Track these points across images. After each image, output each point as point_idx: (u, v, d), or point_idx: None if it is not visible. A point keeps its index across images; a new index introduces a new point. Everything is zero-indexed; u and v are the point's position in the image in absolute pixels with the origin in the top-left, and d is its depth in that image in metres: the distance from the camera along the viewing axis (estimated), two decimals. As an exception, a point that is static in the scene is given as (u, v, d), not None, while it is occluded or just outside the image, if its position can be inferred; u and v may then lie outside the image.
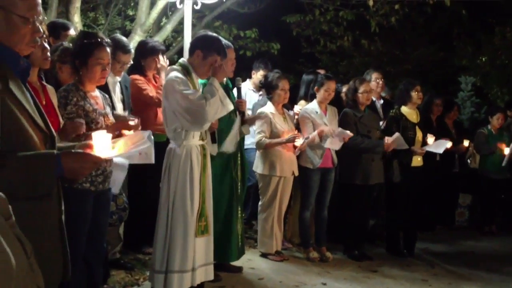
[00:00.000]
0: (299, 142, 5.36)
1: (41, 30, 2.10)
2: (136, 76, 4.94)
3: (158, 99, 4.79)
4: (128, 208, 4.01)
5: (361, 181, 5.62)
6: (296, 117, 5.74)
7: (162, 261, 3.91)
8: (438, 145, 6.02)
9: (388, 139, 5.69)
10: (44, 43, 3.19)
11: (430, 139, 6.02)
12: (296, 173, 5.49)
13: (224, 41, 4.38)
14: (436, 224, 7.50)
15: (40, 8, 2.09)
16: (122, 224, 4.43)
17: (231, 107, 3.97)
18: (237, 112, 4.62)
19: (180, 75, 3.91)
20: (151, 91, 4.90)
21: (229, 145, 4.55)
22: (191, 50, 4.10)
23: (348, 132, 5.33)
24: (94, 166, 2.19)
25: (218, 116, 3.98)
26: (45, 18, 2.25)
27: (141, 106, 4.83)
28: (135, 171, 4.60)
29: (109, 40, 3.43)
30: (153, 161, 3.45)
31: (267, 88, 5.53)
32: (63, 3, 7.12)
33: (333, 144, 5.36)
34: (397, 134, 5.68)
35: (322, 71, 6.19)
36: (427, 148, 5.95)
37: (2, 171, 1.85)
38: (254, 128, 5.40)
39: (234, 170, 4.78)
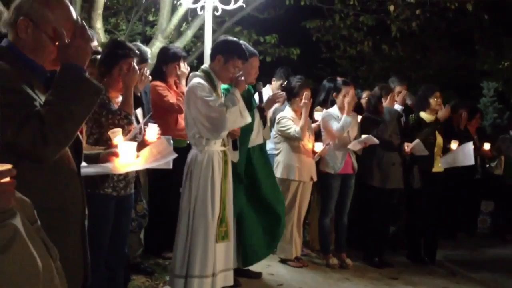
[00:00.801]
0: (319, 147, 5.35)
1: None
2: (157, 83, 4.97)
3: (178, 106, 4.82)
4: (147, 215, 4.03)
5: (378, 184, 5.59)
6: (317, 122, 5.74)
7: (182, 266, 3.93)
8: (464, 154, 5.93)
9: (407, 146, 5.67)
10: None
11: (454, 144, 5.97)
12: (315, 178, 5.48)
13: (250, 48, 4.43)
14: (458, 231, 7.41)
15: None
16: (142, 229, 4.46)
17: (249, 119, 4.01)
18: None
19: (202, 81, 3.94)
20: (171, 97, 4.93)
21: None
22: (212, 56, 4.13)
23: (375, 139, 5.35)
24: (83, 41, 1.98)
25: (235, 126, 4.00)
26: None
27: (161, 112, 4.85)
28: (155, 176, 4.64)
29: (137, 51, 3.46)
30: (171, 167, 3.48)
31: (288, 93, 5.52)
32: (86, 9, 7.21)
33: (355, 146, 5.41)
34: (417, 141, 5.67)
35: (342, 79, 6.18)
36: (454, 163, 5.90)
37: (40, 120, 1.85)
38: (273, 133, 5.40)
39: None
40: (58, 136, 1.87)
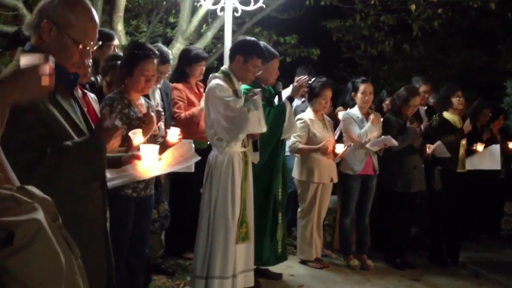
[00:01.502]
0: (340, 149, 5.31)
1: (91, 54, 2.14)
2: (179, 85, 4.98)
3: (179, 118, 4.79)
4: (169, 216, 4.05)
5: (402, 189, 5.53)
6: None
7: (203, 267, 3.94)
8: (491, 157, 5.84)
9: (429, 147, 5.61)
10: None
11: (480, 147, 5.88)
12: (335, 180, 5.45)
13: (271, 49, 4.43)
14: (481, 232, 7.30)
15: (96, 35, 2.12)
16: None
17: (264, 129, 4.02)
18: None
19: (221, 82, 3.95)
20: (182, 106, 4.88)
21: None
22: (232, 56, 4.15)
23: (394, 141, 5.28)
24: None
25: (253, 131, 3.99)
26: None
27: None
28: (176, 177, 4.67)
29: (157, 52, 3.47)
30: (193, 170, 3.48)
31: (309, 94, 5.51)
32: (107, 11, 7.29)
33: (374, 146, 5.34)
34: (438, 143, 5.60)
35: None
36: (480, 165, 5.82)
37: (58, 170, 1.91)
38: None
39: (276, 177, 4.75)
40: (44, 178, 1.92)
